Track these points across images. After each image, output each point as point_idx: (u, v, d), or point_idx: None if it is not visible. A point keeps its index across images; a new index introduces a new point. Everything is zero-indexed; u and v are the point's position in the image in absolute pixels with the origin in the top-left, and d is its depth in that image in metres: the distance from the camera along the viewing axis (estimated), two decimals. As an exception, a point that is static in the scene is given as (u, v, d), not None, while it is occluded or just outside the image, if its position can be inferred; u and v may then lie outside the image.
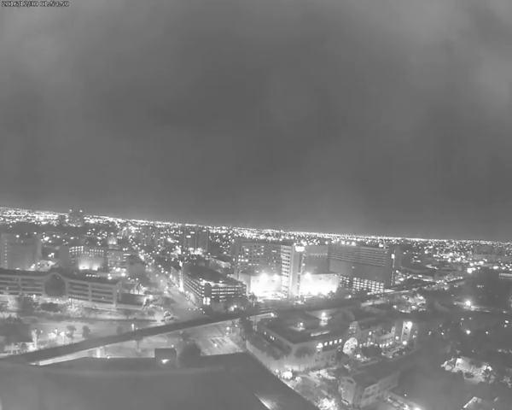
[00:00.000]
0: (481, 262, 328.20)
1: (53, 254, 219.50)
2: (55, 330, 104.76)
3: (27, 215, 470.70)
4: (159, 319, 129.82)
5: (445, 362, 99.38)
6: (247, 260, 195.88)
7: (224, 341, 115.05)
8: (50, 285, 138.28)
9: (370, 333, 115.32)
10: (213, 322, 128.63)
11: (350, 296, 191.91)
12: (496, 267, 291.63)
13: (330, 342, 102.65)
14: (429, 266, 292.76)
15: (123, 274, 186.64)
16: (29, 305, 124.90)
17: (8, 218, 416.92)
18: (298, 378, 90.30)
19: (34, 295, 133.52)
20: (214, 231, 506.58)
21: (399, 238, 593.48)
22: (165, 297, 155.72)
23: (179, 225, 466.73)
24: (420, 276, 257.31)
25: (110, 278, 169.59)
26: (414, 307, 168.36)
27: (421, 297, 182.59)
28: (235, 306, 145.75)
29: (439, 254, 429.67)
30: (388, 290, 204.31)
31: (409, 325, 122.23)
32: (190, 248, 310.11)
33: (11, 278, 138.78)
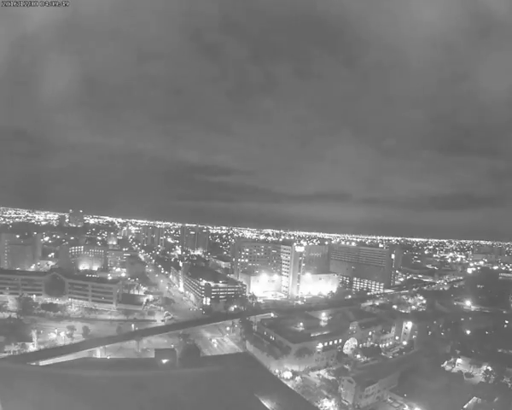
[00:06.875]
0: (481, 262, 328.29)
1: (53, 254, 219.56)
2: (55, 331, 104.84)
3: (27, 215, 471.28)
4: (159, 319, 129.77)
5: (445, 362, 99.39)
6: (247, 261, 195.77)
7: (223, 341, 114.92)
8: (50, 285, 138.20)
9: (370, 333, 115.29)
10: (213, 322, 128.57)
11: (350, 296, 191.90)
12: (496, 267, 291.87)
13: (330, 342, 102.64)
14: (429, 266, 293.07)
15: (123, 274, 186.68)
16: (29, 305, 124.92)
17: (8, 218, 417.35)
18: (298, 378, 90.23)
19: (34, 295, 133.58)
20: (214, 231, 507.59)
21: (399, 238, 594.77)
22: (165, 297, 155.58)
23: (179, 225, 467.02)
24: (420, 276, 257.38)
25: (110, 278, 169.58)
26: (414, 307, 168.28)
27: (421, 297, 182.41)
28: (235, 306, 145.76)
29: (439, 254, 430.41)
30: (388, 290, 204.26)
31: (409, 325, 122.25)
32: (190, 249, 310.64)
33: (11, 278, 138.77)
